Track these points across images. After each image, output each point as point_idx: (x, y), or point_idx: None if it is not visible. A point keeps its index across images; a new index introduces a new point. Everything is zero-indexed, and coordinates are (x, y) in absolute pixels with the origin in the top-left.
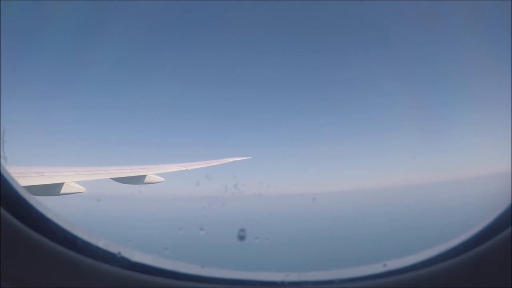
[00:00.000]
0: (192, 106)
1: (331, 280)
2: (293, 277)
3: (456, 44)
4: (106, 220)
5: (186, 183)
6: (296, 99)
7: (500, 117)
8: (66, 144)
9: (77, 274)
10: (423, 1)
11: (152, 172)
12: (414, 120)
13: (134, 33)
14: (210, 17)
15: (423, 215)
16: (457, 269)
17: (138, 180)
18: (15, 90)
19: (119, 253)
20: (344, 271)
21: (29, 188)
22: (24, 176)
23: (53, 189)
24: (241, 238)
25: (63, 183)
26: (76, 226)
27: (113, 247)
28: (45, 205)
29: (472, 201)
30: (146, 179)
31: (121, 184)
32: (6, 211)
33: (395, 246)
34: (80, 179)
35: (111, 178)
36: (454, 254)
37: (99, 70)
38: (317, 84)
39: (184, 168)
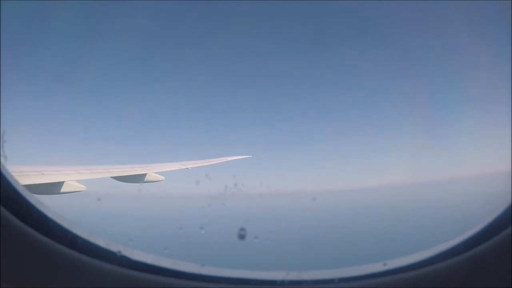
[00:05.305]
0: (192, 105)
1: (331, 279)
2: (293, 276)
3: (456, 44)
4: (106, 219)
5: (186, 181)
6: (296, 99)
7: (500, 117)
8: (66, 143)
9: (77, 273)
10: (423, 1)
11: (152, 171)
12: (414, 120)
13: (135, 33)
14: (209, 17)
15: (423, 214)
16: (457, 269)
17: (138, 178)
18: (15, 89)
19: (119, 252)
20: (344, 270)
21: (30, 187)
22: (24, 175)
23: (53, 188)
24: (241, 237)
25: (63, 182)
26: (76, 225)
27: (113, 246)
28: (46, 204)
29: (472, 201)
30: (146, 178)
31: (121, 182)
32: (6, 210)
33: (395, 246)
34: (81, 177)
35: (111, 177)
36: (454, 254)
37: (99, 70)
38: (317, 83)
39: (184, 167)
